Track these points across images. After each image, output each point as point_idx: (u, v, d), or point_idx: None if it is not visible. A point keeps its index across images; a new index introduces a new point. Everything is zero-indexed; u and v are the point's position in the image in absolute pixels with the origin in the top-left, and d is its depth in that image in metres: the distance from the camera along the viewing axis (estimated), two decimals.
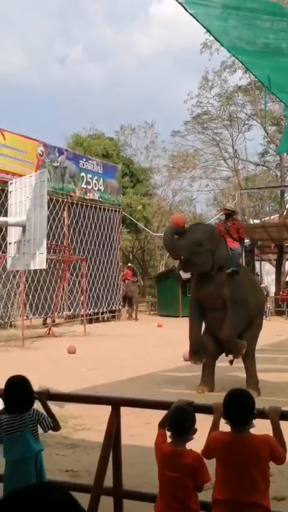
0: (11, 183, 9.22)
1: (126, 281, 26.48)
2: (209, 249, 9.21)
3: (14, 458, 3.75)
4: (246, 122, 39.15)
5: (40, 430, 3.91)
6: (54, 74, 78.95)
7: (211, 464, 3.43)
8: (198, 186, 42.68)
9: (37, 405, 4.09)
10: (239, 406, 3.43)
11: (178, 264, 9.56)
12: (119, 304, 26.24)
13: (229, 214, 10.36)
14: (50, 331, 19.18)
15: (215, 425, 3.57)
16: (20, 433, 3.74)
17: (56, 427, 4.02)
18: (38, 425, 3.85)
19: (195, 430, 3.45)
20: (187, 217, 44.17)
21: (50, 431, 4.00)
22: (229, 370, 10.16)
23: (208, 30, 5.21)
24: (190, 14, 4.67)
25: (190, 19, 4.78)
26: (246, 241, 26.44)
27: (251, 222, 35.37)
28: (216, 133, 40.33)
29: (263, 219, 36.23)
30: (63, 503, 1.00)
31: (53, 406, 7.72)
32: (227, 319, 9.19)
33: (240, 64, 6.60)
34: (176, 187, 42.97)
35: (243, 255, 27.11)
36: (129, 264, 29.71)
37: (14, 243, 8.66)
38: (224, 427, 3.50)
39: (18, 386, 3.88)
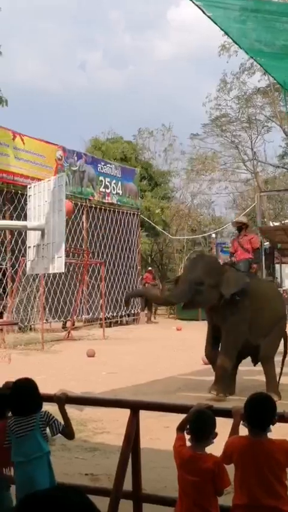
0: (29, 188, 9.26)
1: (147, 285, 26.45)
2: (210, 285, 9.12)
3: (23, 459, 3.75)
4: (266, 124, 39.00)
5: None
6: (73, 80, 79.43)
7: (231, 468, 3.41)
8: (217, 189, 42.60)
9: (54, 408, 4.10)
10: (261, 410, 3.41)
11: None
12: (138, 307, 26.22)
13: (241, 227, 10.33)
14: (70, 335, 19.23)
15: (234, 429, 3.56)
16: (29, 433, 3.74)
17: (69, 434, 3.99)
18: (48, 428, 3.85)
19: (216, 434, 3.43)
20: (206, 220, 44.13)
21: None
22: (248, 373, 10.11)
23: (226, 33, 5.21)
24: (208, 16, 4.67)
25: (208, 22, 4.78)
26: (266, 244, 26.27)
27: (271, 224, 35.17)
28: (235, 136, 40.23)
29: (282, 222, 36.00)
30: (82, 506, 0.99)
31: (73, 409, 7.74)
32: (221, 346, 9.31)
33: (259, 66, 6.58)
34: (194, 190, 42.85)
35: (263, 257, 27.03)
36: (149, 268, 29.66)
37: (33, 246, 8.69)
38: (245, 431, 3.48)
39: (23, 390, 3.90)
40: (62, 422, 3.94)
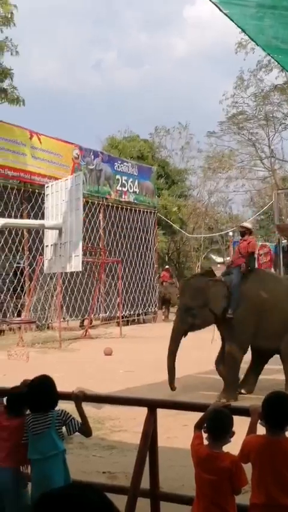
0: (47, 187, 9.31)
1: (164, 283, 26.43)
2: (200, 306, 9.26)
3: (39, 456, 3.78)
4: (283, 121, 38.71)
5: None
6: (89, 79, 79.60)
7: (248, 467, 3.39)
8: (234, 187, 42.40)
9: (72, 406, 4.12)
10: (279, 409, 3.39)
11: None
12: (155, 306, 26.21)
13: (244, 232, 10.34)
14: (87, 333, 19.29)
15: (252, 428, 3.54)
16: (45, 431, 3.78)
17: (86, 431, 4.01)
18: (64, 427, 3.87)
19: (233, 433, 3.42)
20: (223, 218, 43.94)
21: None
22: (266, 372, 10.06)
23: (243, 30, 5.17)
24: (225, 14, 4.64)
25: (224, 19, 4.76)
26: (284, 241, 26.10)
27: None
28: (252, 133, 40.00)
29: None
30: (99, 504, 0.99)
31: (90, 407, 7.76)
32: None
33: (276, 63, 6.54)
34: (211, 188, 42.72)
35: (281, 255, 26.88)
36: (167, 266, 29.62)
37: (51, 245, 8.74)
38: (262, 430, 3.46)
39: (40, 386, 3.94)
40: (80, 421, 3.96)
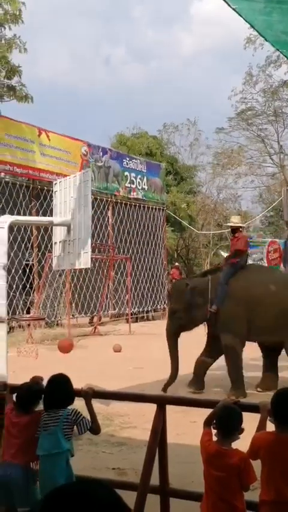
0: (55, 184, 9.29)
1: (173, 281, 26.36)
2: (184, 308, 9.48)
3: (44, 452, 3.83)
4: None
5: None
6: (97, 76, 79.54)
7: (258, 464, 3.39)
8: (243, 183, 42.30)
9: (81, 403, 4.12)
10: (287, 406, 3.38)
11: None
12: (164, 302, 26.21)
13: (235, 229, 10.25)
14: (96, 330, 19.31)
15: (261, 425, 3.53)
16: (52, 429, 3.82)
17: (96, 429, 4.02)
18: (75, 427, 3.88)
19: (242, 430, 3.41)
20: (232, 214, 43.82)
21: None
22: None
23: (252, 25, 5.13)
24: (233, 9, 4.61)
25: (233, 15, 4.73)
26: None
27: None
28: (261, 129, 39.89)
29: None
30: (109, 500, 0.99)
31: (99, 404, 7.77)
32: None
33: (285, 58, 6.50)
34: (220, 185, 42.64)
35: (284, 252, 26.84)
36: (176, 264, 29.58)
37: (59, 242, 8.72)
38: (272, 427, 3.45)
39: (54, 384, 3.97)
40: (89, 419, 3.97)
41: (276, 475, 3.27)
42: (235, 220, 10.72)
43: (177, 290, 10.03)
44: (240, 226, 10.44)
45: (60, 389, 3.97)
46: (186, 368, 9.83)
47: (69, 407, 3.95)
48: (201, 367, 9.73)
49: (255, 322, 9.26)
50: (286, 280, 9.93)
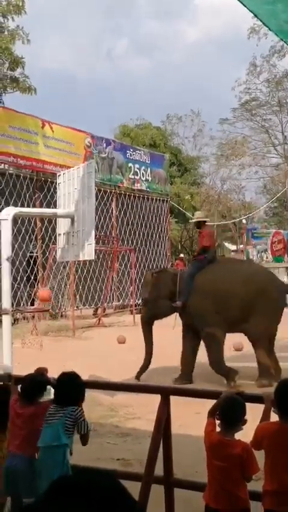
0: (59, 175, 9.28)
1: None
2: (152, 299, 9.87)
3: (43, 444, 3.86)
4: None
5: None
6: (101, 67, 79.31)
7: (261, 454, 3.39)
8: (247, 174, 42.20)
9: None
10: None
11: None
12: None
13: (200, 224, 10.29)
14: (100, 321, 19.34)
15: (265, 415, 3.54)
16: (54, 422, 3.84)
17: (86, 439, 4.00)
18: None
19: (245, 421, 3.42)
20: (236, 205, 43.75)
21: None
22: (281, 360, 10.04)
23: (255, 15, 5.09)
24: None
25: (236, 5, 4.70)
26: None
27: None
28: (265, 120, 39.79)
29: None
30: (113, 490, 0.99)
31: (104, 395, 7.80)
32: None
33: None
34: (224, 176, 42.55)
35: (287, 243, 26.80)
36: (181, 255, 29.50)
37: (63, 234, 8.73)
38: (276, 417, 3.46)
39: (65, 384, 3.99)
40: (91, 427, 3.99)
41: (279, 465, 3.27)
42: (199, 215, 10.91)
43: (145, 281, 10.42)
44: (205, 221, 10.54)
45: (69, 389, 3.99)
46: (197, 357, 9.87)
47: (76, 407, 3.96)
48: (187, 363, 9.82)
49: (224, 315, 9.37)
50: (253, 272, 9.90)
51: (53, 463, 3.78)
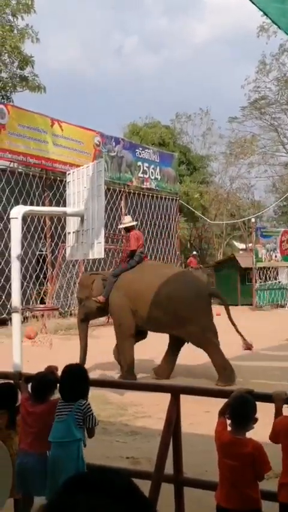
0: (68, 174, 9.31)
1: (190, 269, 25.87)
2: (85, 298, 10.36)
3: (55, 440, 3.87)
4: None
5: None
6: (110, 65, 79.33)
7: (273, 453, 3.39)
8: (256, 173, 42.03)
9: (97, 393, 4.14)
10: None
11: None
12: None
13: (128, 229, 10.55)
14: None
15: (278, 413, 3.54)
16: (65, 417, 3.85)
17: (93, 432, 4.02)
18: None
19: (256, 420, 3.41)
20: (245, 204, 43.62)
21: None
22: (282, 358, 10.02)
23: (265, 13, 5.08)
24: None
25: (246, 2, 4.69)
26: None
27: None
28: (274, 118, 39.59)
29: None
30: (127, 490, 0.99)
31: (114, 394, 7.82)
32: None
33: None
34: (233, 174, 42.39)
35: None
36: (194, 252, 29.32)
37: (73, 232, 8.75)
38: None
39: (70, 377, 3.99)
40: (96, 422, 3.99)
41: None
42: (125, 221, 11.27)
43: (80, 282, 11.21)
44: (129, 227, 10.74)
45: (74, 382, 3.99)
46: (206, 356, 9.84)
47: (83, 400, 3.96)
48: (164, 368, 10.04)
49: (139, 313, 9.71)
50: (171, 274, 10.01)
51: (67, 458, 3.79)
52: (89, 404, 3.93)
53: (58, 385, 4.12)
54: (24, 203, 16.52)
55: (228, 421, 3.47)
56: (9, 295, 8.80)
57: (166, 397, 4.31)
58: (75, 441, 3.84)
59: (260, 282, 25.41)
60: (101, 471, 1.02)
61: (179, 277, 10.03)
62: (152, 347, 10.67)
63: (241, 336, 9.85)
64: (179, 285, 9.59)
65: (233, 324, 9.72)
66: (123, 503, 0.94)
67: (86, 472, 1.04)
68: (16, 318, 6.69)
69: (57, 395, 4.15)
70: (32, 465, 3.95)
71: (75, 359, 9.81)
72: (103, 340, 15.15)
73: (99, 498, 0.93)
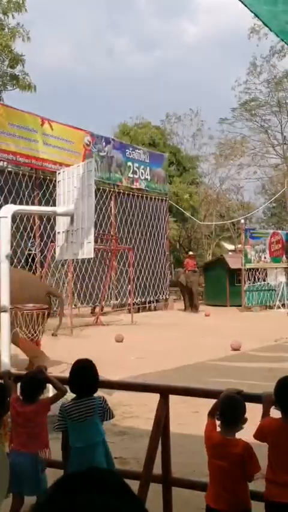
0: (58, 173, 9.29)
1: (187, 271, 25.14)
2: None
3: (82, 444, 3.80)
4: None
5: None
6: (101, 65, 79.27)
7: (262, 454, 3.40)
8: (246, 174, 42.18)
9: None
10: None
11: None
12: (167, 293, 26.22)
13: None
14: (98, 320, 19.35)
15: (265, 414, 3.54)
16: (89, 418, 3.80)
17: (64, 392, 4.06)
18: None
19: (245, 420, 3.42)
20: (235, 205, 43.75)
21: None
22: (277, 359, 10.06)
23: (256, 15, 5.09)
24: None
25: (237, 4, 4.70)
26: None
27: None
28: (264, 120, 39.78)
29: None
30: (119, 489, 0.98)
31: (102, 394, 7.79)
32: None
33: None
34: (223, 176, 42.54)
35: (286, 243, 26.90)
36: (191, 253, 28.86)
37: (62, 232, 8.73)
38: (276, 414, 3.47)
39: (85, 370, 3.94)
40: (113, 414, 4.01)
41: (282, 460, 3.30)
42: None
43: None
44: None
45: (89, 375, 3.94)
46: (196, 357, 9.88)
47: (95, 395, 3.96)
48: None
49: None
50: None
51: (99, 458, 3.78)
52: (105, 399, 3.96)
53: (52, 387, 4.10)
54: (14, 202, 16.47)
55: (218, 422, 3.47)
56: None
57: (155, 398, 4.32)
58: (104, 439, 3.87)
59: (249, 283, 25.50)
60: (94, 470, 1.02)
61: (15, 278, 10.09)
62: (139, 347, 10.67)
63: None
64: (16, 286, 9.59)
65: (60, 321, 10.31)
66: (118, 499, 0.94)
67: (79, 471, 1.03)
68: (5, 317, 6.68)
69: (46, 394, 4.14)
70: (24, 465, 3.94)
71: (63, 359, 9.79)
72: (91, 339, 15.16)
73: (94, 495, 0.92)
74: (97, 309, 21.18)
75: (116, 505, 0.92)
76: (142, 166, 25.06)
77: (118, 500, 0.93)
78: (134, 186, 24.60)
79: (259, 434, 3.41)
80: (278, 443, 3.33)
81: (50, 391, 5.15)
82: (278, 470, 3.30)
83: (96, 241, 14.70)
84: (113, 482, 0.98)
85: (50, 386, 4.68)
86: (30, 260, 19.25)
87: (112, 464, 3.88)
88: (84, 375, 3.93)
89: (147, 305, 25.09)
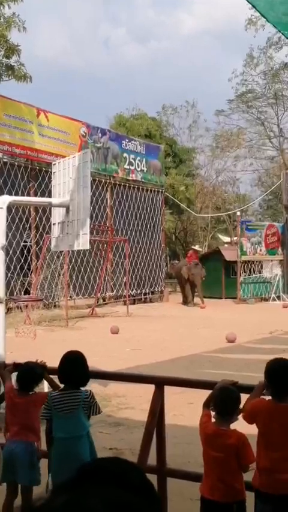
0: (54, 164, 9.25)
1: (189, 264, 24.29)
2: None
3: (65, 435, 3.77)
4: None
5: None
6: (97, 56, 78.93)
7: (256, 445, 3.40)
8: (242, 166, 42.13)
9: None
10: (283, 375, 3.40)
11: None
12: (162, 285, 26.22)
13: None
14: (93, 312, 19.34)
15: (254, 397, 3.55)
16: (73, 411, 3.77)
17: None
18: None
19: (241, 411, 3.43)
20: (231, 197, 43.74)
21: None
22: (272, 351, 10.08)
23: (254, 6, 5.07)
24: None
25: None
26: None
27: None
28: (261, 112, 39.69)
29: None
30: (141, 484, 0.94)
31: (97, 385, 7.81)
32: None
33: (287, 40, 6.44)
34: (219, 167, 42.47)
35: (282, 235, 26.92)
36: (194, 247, 28.57)
37: (58, 223, 8.71)
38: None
39: (74, 361, 3.92)
40: (100, 410, 3.96)
41: (271, 442, 3.31)
42: None
43: None
44: None
45: (78, 367, 3.92)
46: (191, 348, 9.89)
47: (83, 388, 3.93)
48: None
49: None
50: None
51: (81, 450, 3.75)
52: (92, 393, 3.90)
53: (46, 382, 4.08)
54: (9, 193, 16.41)
55: (213, 413, 3.48)
56: None
57: (149, 389, 4.32)
58: (87, 433, 3.84)
59: (245, 276, 25.53)
60: (115, 462, 0.98)
61: None
62: (140, 340, 10.69)
63: None
64: None
65: None
66: (141, 496, 0.90)
67: (96, 462, 0.97)
68: (0, 309, 6.67)
69: (41, 386, 4.14)
70: (18, 454, 3.94)
71: (58, 350, 9.80)
72: (86, 331, 15.17)
73: (117, 491, 0.88)
74: (93, 301, 21.12)
75: (136, 505, 0.87)
76: (138, 158, 24.99)
77: (137, 499, 0.89)
78: (130, 178, 24.55)
79: (248, 416, 3.41)
80: (269, 423, 3.34)
81: (45, 385, 5.15)
82: (268, 451, 3.31)
83: (92, 233, 14.67)
84: (136, 479, 0.93)
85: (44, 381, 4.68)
86: (25, 251, 19.22)
87: (94, 456, 3.85)
88: (73, 366, 3.90)
89: (142, 297, 25.08)
